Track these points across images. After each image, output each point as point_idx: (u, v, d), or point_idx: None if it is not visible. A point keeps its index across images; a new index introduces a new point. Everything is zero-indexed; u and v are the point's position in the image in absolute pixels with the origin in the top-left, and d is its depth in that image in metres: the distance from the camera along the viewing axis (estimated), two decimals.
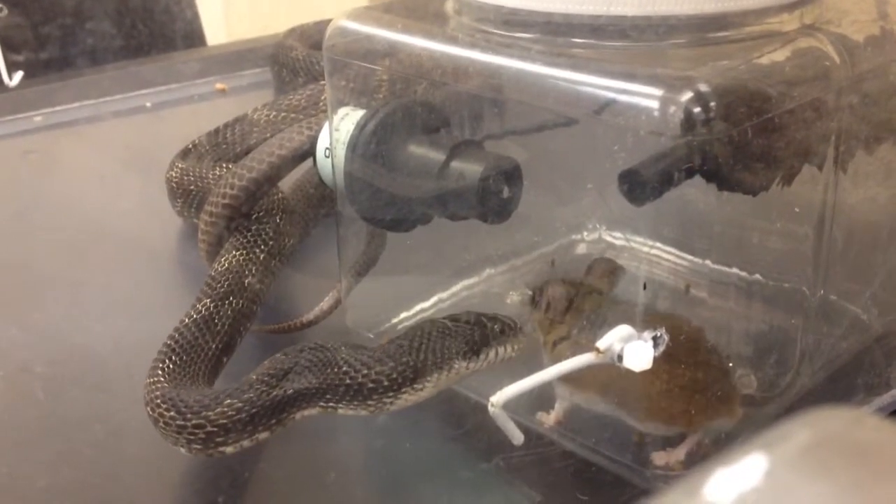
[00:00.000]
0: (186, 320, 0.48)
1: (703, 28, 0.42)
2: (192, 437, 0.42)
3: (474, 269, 0.56)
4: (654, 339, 0.39)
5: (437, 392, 0.44)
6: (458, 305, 0.55)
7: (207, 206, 0.55)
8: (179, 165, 0.68)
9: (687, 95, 0.37)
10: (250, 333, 0.52)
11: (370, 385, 0.43)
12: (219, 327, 0.48)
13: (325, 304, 0.55)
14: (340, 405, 0.44)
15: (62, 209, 0.76)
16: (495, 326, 0.45)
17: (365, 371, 0.43)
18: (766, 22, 0.43)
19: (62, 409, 0.50)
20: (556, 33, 0.43)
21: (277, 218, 0.56)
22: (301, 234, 0.64)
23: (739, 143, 0.40)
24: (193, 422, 0.42)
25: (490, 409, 0.41)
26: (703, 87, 0.37)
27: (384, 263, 0.55)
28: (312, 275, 0.63)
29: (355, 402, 0.43)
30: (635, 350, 0.39)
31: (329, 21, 0.50)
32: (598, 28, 0.42)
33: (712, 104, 0.37)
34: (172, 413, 0.42)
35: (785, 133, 0.42)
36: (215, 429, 0.42)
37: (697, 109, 0.37)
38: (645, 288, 0.42)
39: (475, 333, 0.44)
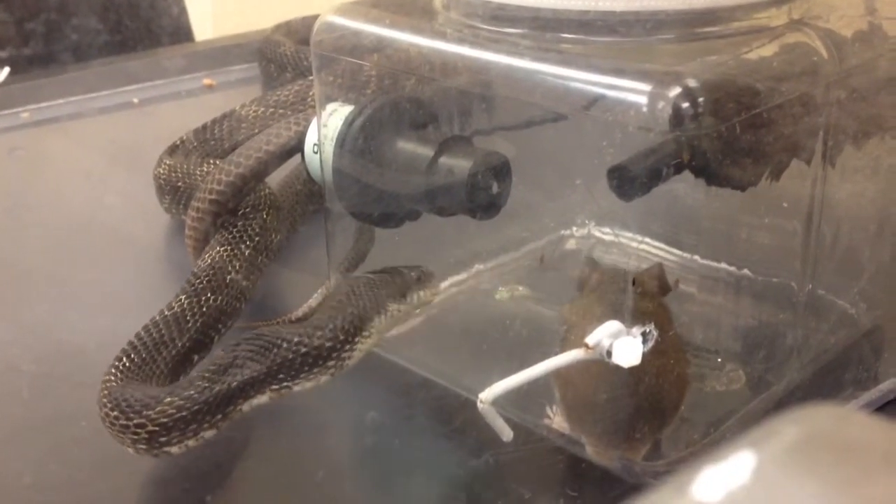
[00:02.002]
0: (157, 317, 0.48)
1: (691, 23, 0.42)
2: (135, 437, 0.42)
3: (463, 265, 0.56)
4: (643, 334, 0.39)
5: (379, 339, 0.47)
6: (446, 301, 0.55)
7: (194, 203, 0.54)
8: (167, 162, 0.68)
9: (675, 91, 0.37)
10: (236, 330, 0.51)
11: (328, 344, 0.44)
12: (190, 324, 0.48)
13: (314, 300, 0.55)
14: (297, 381, 0.44)
15: (48, 206, 0.76)
16: (412, 273, 0.48)
17: (319, 333, 0.44)
18: (754, 17, 0.43)
19: (48, 407, 0.50)
20: (544, 29, 0.43)
21: (264, 214, 0.55)
22: (289, 231, 0.64)
23: (728, 139, 0.40)
24: (135, 421, 0.41)
25: (479, 405, 0.41)
26: (692, 83, 0.37)
27: (373, 260, 0.55)
28: (301, 271, 0.63)
29: (315, 371, 0.44)
30: (624, 346, 0.39)
31: (317, 16, 0.50)
32: (587, 23, 0.42)
33: (701, 99, 0.37)
34: (116, 413, 0.42)
35: (773, 128, 0.42)
36: (157, 428, 0.41)
37: (686, 105, 0.37)
38: (634, 284, 0.42)
39: (397, 280, 0.47)
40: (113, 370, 0.44)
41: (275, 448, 0.47)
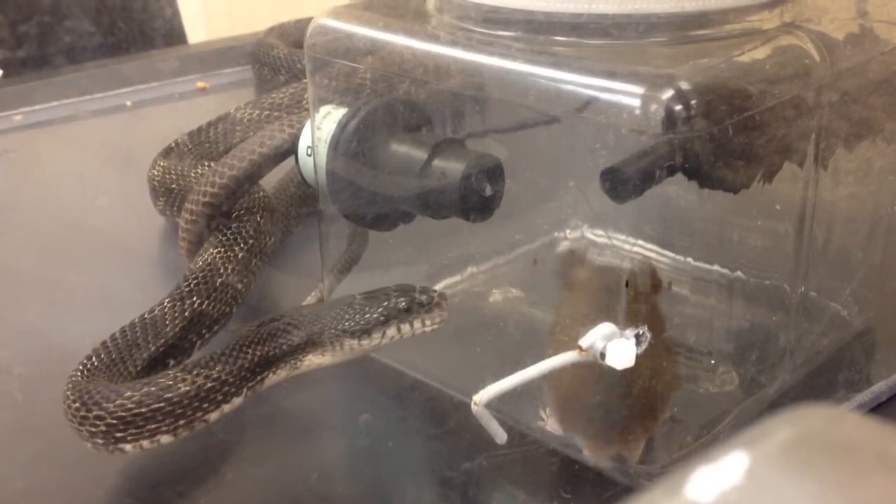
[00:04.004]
0: (135, 319, 0.47)
1: (683, 26, 0.42)
2: (93, 430, 0.41)
3: (457, 268, 0.56)
4: (637, 336, 0.39)
5: (342, 359, 0.46)
6: None
7: (188, 205, 0.54)
8: (161, 164, 0.68)
9: (668, 93, 0.37)
10: (231, 333, 0.51)
11: (292, 347, 0.45)
12: (168, 328, 0.47)
13: (308, 302, 0.55)
14: (268, 374, 0.45)
15: (40, 208, 0.76)
16: (400, 303, 0.46)
17: (290, 337, 0.46)
18: (746, 20, 0.43)
19: (41, 409, 0.50)
20: (537, 31, 0.43)
21: (258, 216, 0.55)
22: (283, 233, 0.64)
23: (720, 141, 0.40)
24: (94, 413, 0.41)
25: (473, 407, 0.41)
26: (684, 85, 0.37)
27: (366, 262, 0.55)
28: (295, 273, 0.63)
29: (278, 366, 0.45)
30: (617, 348, 0.39)
31: (310, 19, 0.50)
32: (580, 26, 0.42)
33: (693, 102, 0.37)
34: (77, 404, 0.42)
35: (765, 130, 0.42)
36: (114, 422, 0.41)
37: (678, 107, 0.37)
38: (627, 286, 0.42)
39: (374, 312, 0.46)
40: (80, 367, 0.44)
41: (269, 450, 0.47)
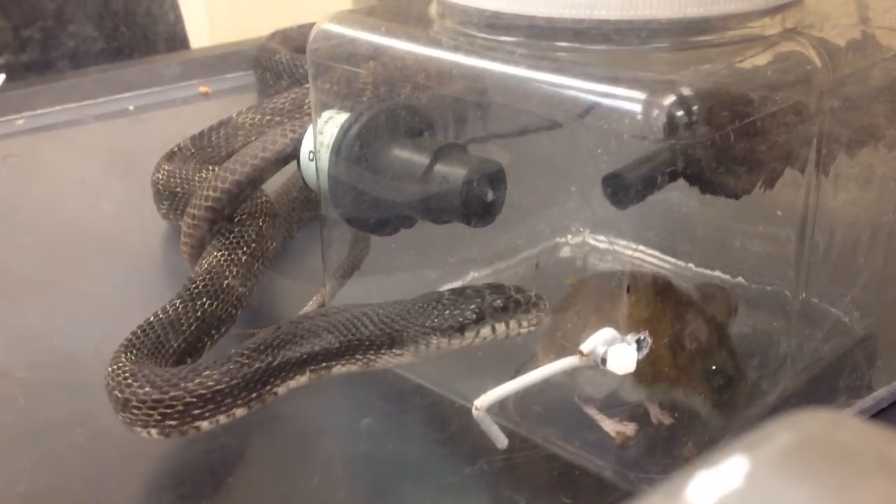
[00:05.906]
0: (152, 318, 0.48)
1: (685, 32, 0.42)
2: (166, 413, 0.42)
3: (458, 273, 0.56)
4: (638, 341, 0.39)
5: (422, 359, 0.46)
6: None
7: (190, 209, 0.54)
8: (165, 168, 0.68)
9: (670, 99, 0.37)
10: (232, 337, 0.51)
11: (363, 341, 0.45)
12: (185, 327, 0.48)
13: (310, 307, 0.55)
14: (336, 364, 0.45)
15: (42, 212, 0.76)
16: (496, 301, 0.44)
17: (362, 329, 0.45)
18: (748, 26, 0.44)
19: (42, 414, 0.50)
20: (539, 37, 0.43)
21: (260, 221, 0.55)
22: (285, 237, 0.64)
23: (722, 147, 0.40)
24: (171, 394, 0.42)
25: (474, 412, 0.41)
26: (686, 91, 0.37)
27: (368, 266, 0.55)
28: (296, 278, 0.63)
29: (347, 359, 0.45)
30: (618, 353, 0.39)
31: (312, 24, 0.50)
32: (581, 31, 0.42)
33: (695, 108, 0.37)
34: (147, 388, 0.42)
35: (767, 136, 0.42)
36: (194, 400, 0.42)
37: (680, 113, 0.37)
38: (629, 291, 0.42)
39: (465, 311, 0.44)
40: (122, 358, 0.44)
41: (270, 454, 0.47)
